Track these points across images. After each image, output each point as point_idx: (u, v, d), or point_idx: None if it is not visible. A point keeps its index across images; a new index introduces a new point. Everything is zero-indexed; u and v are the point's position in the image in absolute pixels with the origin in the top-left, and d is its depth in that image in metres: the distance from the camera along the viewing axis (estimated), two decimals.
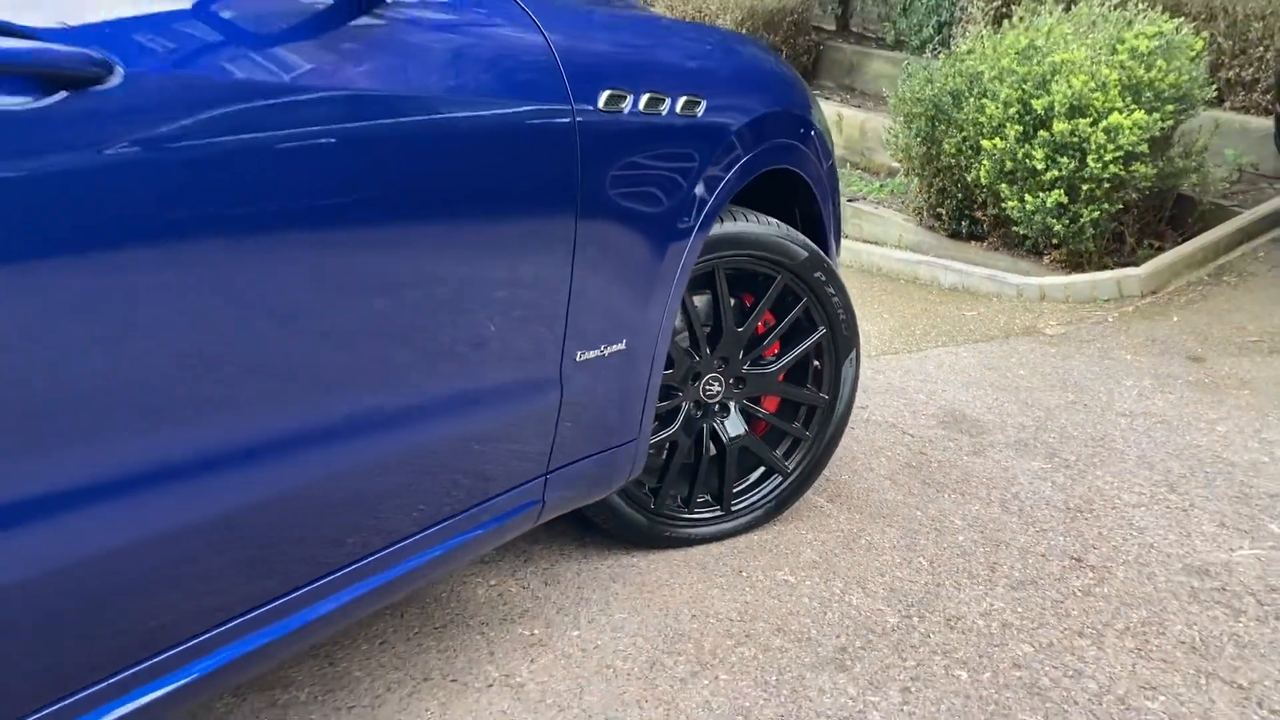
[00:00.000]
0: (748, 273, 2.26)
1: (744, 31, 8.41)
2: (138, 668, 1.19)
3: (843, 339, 2.42)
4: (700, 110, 1.96)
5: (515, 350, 1.65)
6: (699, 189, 1.97)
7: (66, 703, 1.12)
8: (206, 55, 1.15)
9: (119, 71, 1.05)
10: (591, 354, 1.82)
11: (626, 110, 1.77)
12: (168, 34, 1.13)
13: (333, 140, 1.26)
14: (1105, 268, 4.62)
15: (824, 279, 2.34)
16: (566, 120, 1.64)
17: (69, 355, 1.04)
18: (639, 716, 1.78)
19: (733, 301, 2.26)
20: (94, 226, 1.04)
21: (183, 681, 1.24)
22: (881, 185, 6.35)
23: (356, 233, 1.32)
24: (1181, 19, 4.76)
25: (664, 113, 1.87)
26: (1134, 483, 2.75)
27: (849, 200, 6.09)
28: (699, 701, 1.82)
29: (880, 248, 5.48)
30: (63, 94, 1.01)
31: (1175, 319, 4.19)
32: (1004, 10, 5.78)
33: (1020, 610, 2.14)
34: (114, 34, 1.07)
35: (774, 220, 2.27)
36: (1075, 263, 4.71)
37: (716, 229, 2.12)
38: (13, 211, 0.98)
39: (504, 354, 1.63)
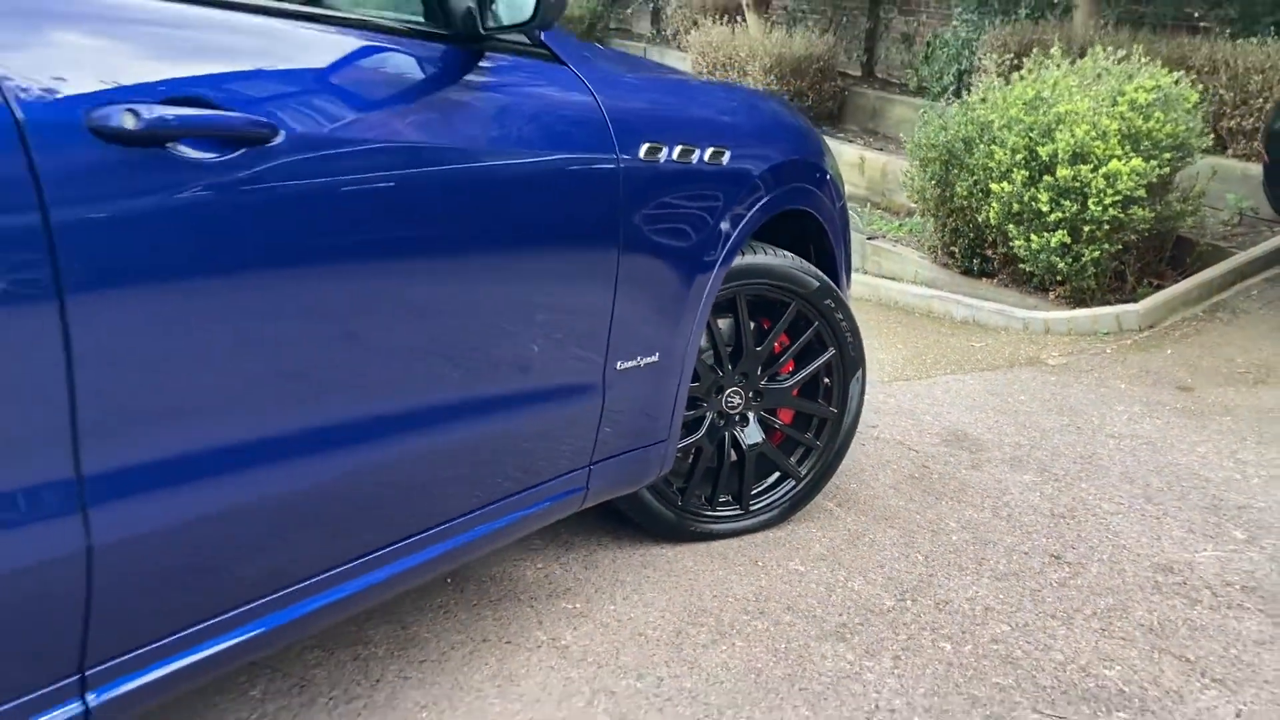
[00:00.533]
0: (766, 299, 2.57)
1: (773, 76, 8.77)
2: (326, 574, 1.57)
3: (850, 359, 2.72)
4: (725, 159, 2.28)
5: (567, 359, 1.97)
6: (724, 226, 2.28)
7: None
8: (338, 119, 1.48)
9: (281, 133, 1.38)
10: (629, 364, 2.13)
11: (662, 160, 2.10)
12: (311, 103, 1.46)
13: (432, 183, 1.59)
14: (1107, 304, 4.90)
15: (834, 306, 2.65)
16: (612, 167, 1.97)
17: (254, 345, 1.37)
18: (666, 673, 2.07)
19: (752, 324, 2.57)
20: (260, 246, 1.36)
21: (335, 598, 1.60)
22: (900, 224, 6.66)
23: (447, 260, 1.65)
24: (1183, 72, 5.06)
25: (694, 161, 2.19)
26: (1115, 494, 3.02)
27: (869, 238, 6.39)
28: (718, 663, 2.12)
29: (897, 283, 5.78)
30: (242, 150, 1.34)
31: (1169, 351, 4.45)
32: (1015, 63, 6.10)
33: (1002, 597, 2.42)
34: (275, 104, 1.40)
35: (789, 254, 2.58)
36: (1079, 299, 4.99)
37: (738, 261, 2.43)
38: (204, 234, 1.30)
39: (558, 362, 1.95)
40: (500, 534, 1.93)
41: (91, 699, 1.30)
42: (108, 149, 1.19)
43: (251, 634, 1.48)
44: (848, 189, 3.24)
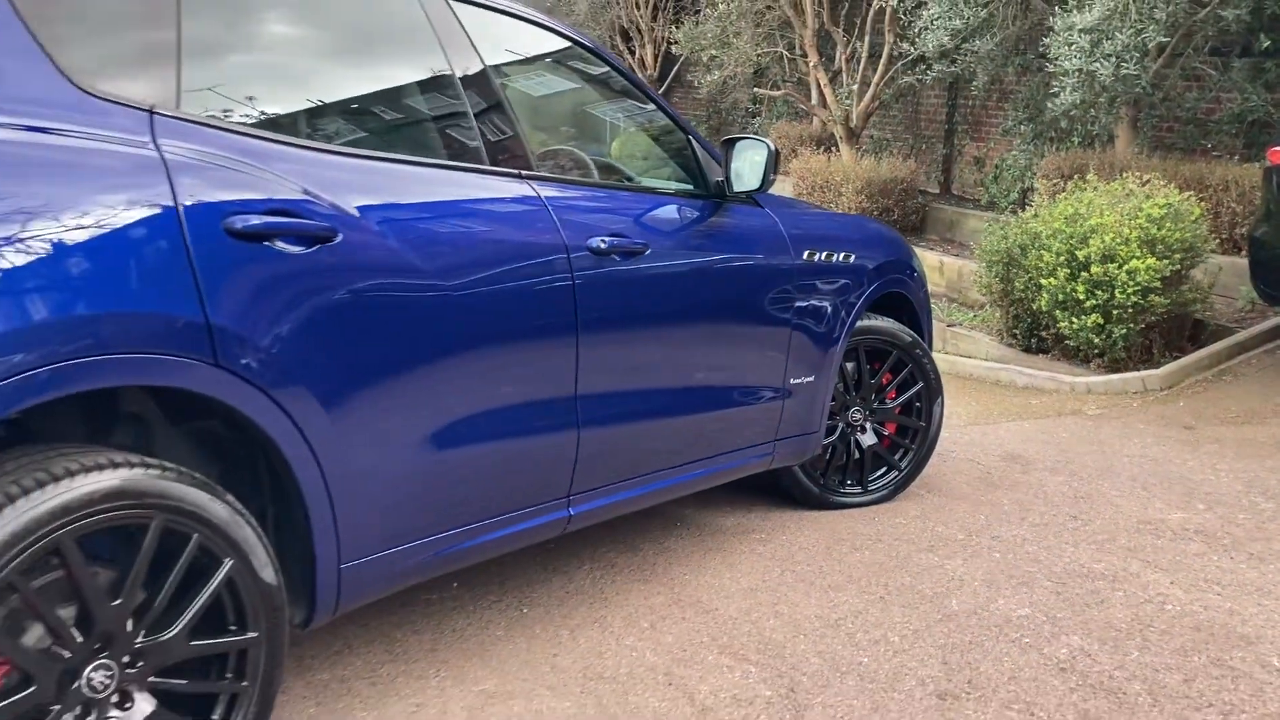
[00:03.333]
0: (877, 349, 3.91)
1: (863, 196, 10.18)
2: (647, 473, 2.92)
3: (933, 389, 4.04)
4: (851, 259, 3.65)
5: (767, 375, 3.34)
6: (850, 301, 3.65)
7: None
8: (668, 239, 2.91)
9: (649, 248, 2.80)
10: (797, 380, 3.49)
11: (816, 260, 3.49)
12: (657, 231, 2.89)
13: (708, 273, 3.01)
14: (1136, 370, 6.12)
15: (921, 354, 3.99)
16: (790, 264, 3.36)
17: (633, 353, 2.78)
18: (824, 564, 3.37)
19: (868, 365, 3.91)
20: (641, 306, 2.78)
21: (647, 490, 2.95)
22: (974, 315, 7.94)
23: (711, 319, 3.06)
24: (1193, 191, 6.34)
25: (833, 261, 3.57)
26: (1121, 487, 4.25)
27: (949, 326, 7.68)
28: (855, 560, 3.41)
29: (971, 360, 7.05)
30: (635, 256, 2.76)
31: (1181, 404, 5.65)
32: (1061, 186, 7.39)
33: (1035, 535, 3.67)
34: (645, 233, 2.82)
35: (891, 319, 3.94)
36: (1114, 367, 6.21)
37: (859, 323, 3.77)
38: (620, 300, 2.71)
39: (764, 376, 3.32)
40: (734, 470, 3.31)
41: (572, 510, 2.69)
42: (594, 257, 2.62)
43: (635, 494, 2.88)
44: (931, 288, 4.60)
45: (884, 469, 4.05)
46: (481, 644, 2.77)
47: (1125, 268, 5.81)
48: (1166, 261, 5.86)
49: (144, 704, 1.80)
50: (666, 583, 3.20)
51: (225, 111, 2.04)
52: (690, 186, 3.22)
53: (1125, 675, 2.63)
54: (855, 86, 10.71)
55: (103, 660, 1.75)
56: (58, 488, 1.65)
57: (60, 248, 1.62)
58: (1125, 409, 5.72)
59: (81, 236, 1.65)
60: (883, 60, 10.26)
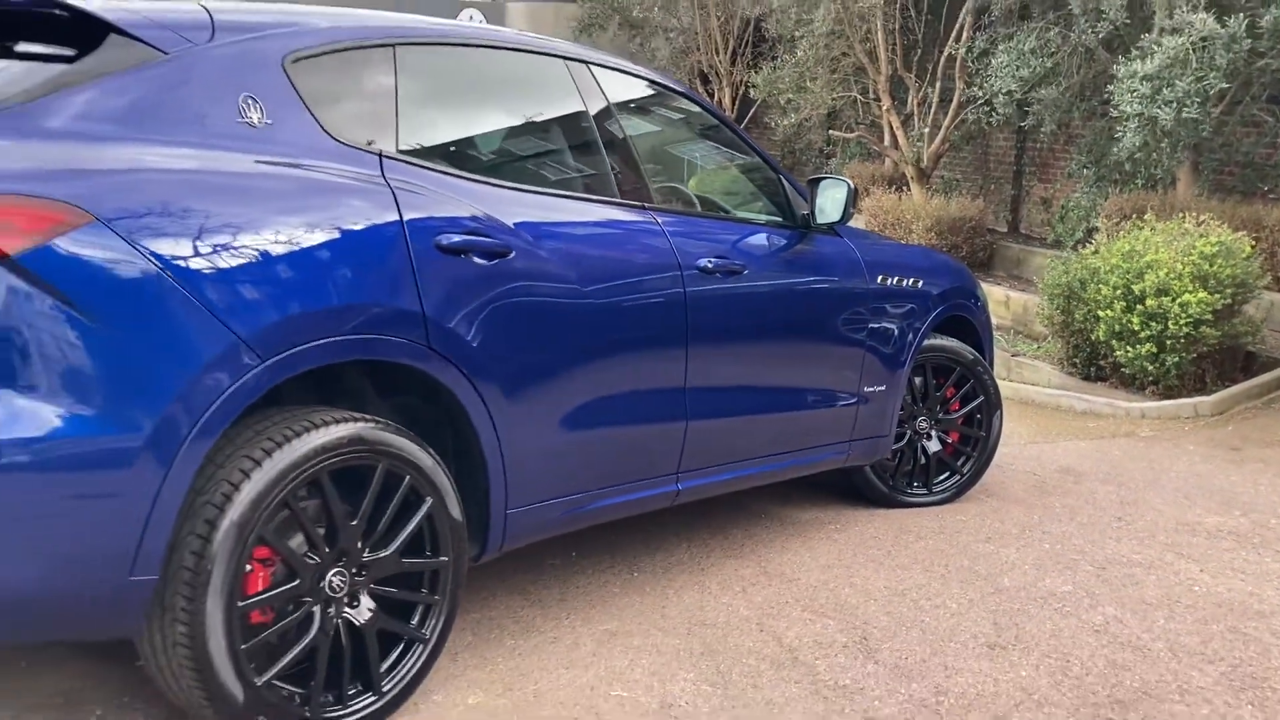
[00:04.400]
0: (942, 365, 4.37)
1: (933, 234, 10.59)
2: (734, 460, 3.42)
3: (993, 402, 4.47)
4: (919, 285, 4.12)
5: (845, 382, 3.82)
6: (918, 322, 4.12)
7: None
8: (759, 261, 3.42)
9: (746, 269, 3.31)
10: (870, 389, 3.96)
11: (888, 284, 3.97)
12: (750, 255, 3.40)
13: (794, 292, 3.51)
14: (1188, 397, 6.46)
15: (982, 371, 4.43)
16: (865, 287, 3.85)
17: (731, 359, 3.30)
18: (892, 548, 3.82)
19: (934, 380, 4.37)
20: (735, 319, 3.28)
21: (742, 474, 3.45)
22: (1038, 346, 8.30)
23: (798, 331, 3.55)
24: (1245, 231, 6.70)
25: (903, 286, 4.05)
26: (1165, 496, 4.63)
27: (1013, 355, 8.06)
28: (920, 548, 3.85)
29: (1034, 387, 7.43)
30: (734, 275, 3.27)
31: (1230, 428, 5.98)
32: (1119, 226, 7.76)
33: (1082, 532, 4.07)
34: (741, 257, 3.33)
35: (955, 339, 4.39)
36: (1168, 394, 6.55)
37: (926, 342, 4.23)
38: (723, 312, 3.22)
39: (842, 383, 3.80)
40: (815, 464, 3.79)
41: (680, 486, 3.19)
42: (701, 274, 3.13)
43: (733, 475, 3.39)
44: (997, 320, 5.06)
45: (947, 473, 4.49)
46: (602, 597, 3.27)
47: (1178, 301, 6.18)
48: (1218, 295, 6.21)
49: (367, 604, 2.34)
50: (755, 559, 3.68)
51: (428, 155, 2.61)
52: (779, 218, 3.72)
53: (1151, 637, 3.05)
54: (926, 129, 11.15)
55: (340, 568, 2.29)
56: (317, 433, 2.20)
57: (333, 252, 2.19)
58: (1176, 432, 6.07)
59: (347, 245, 2.22)
60: (953, 105, 10.68)
